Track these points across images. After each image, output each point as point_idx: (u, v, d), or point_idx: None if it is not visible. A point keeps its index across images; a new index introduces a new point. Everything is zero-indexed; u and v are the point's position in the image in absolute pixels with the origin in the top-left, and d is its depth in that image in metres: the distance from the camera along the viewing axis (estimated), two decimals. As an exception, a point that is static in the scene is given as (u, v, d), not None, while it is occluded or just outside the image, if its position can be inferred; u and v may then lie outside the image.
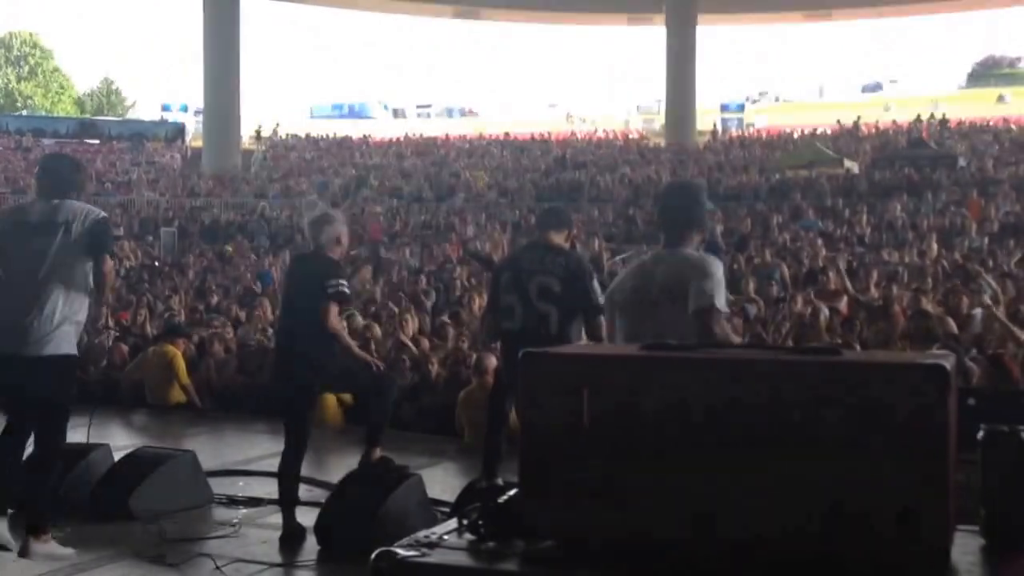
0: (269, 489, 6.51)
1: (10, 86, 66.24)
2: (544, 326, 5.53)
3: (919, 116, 40.94)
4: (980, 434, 2.08)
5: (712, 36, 49.68)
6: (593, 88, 66.94)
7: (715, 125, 48.33)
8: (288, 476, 5.86)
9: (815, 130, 42.09)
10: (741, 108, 58.85)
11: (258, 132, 45.75)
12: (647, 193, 29.20)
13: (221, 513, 6.50)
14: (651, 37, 48.46)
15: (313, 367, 5.81)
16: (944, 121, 40.46)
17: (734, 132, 48.47)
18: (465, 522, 2.18)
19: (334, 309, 5.76)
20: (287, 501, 5.83)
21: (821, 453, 1.91)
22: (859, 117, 43.47)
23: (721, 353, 2.19)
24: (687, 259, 4.08)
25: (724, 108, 57.50)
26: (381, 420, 6.00)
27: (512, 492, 2.19)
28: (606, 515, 2.01)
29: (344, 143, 45.01)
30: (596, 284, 5.76)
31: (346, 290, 5.80)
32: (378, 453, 5.89)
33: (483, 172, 35.26)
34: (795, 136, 41.29)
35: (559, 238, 5.89)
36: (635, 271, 4.38)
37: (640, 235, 24.35)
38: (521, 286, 5.61)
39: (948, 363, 1.93)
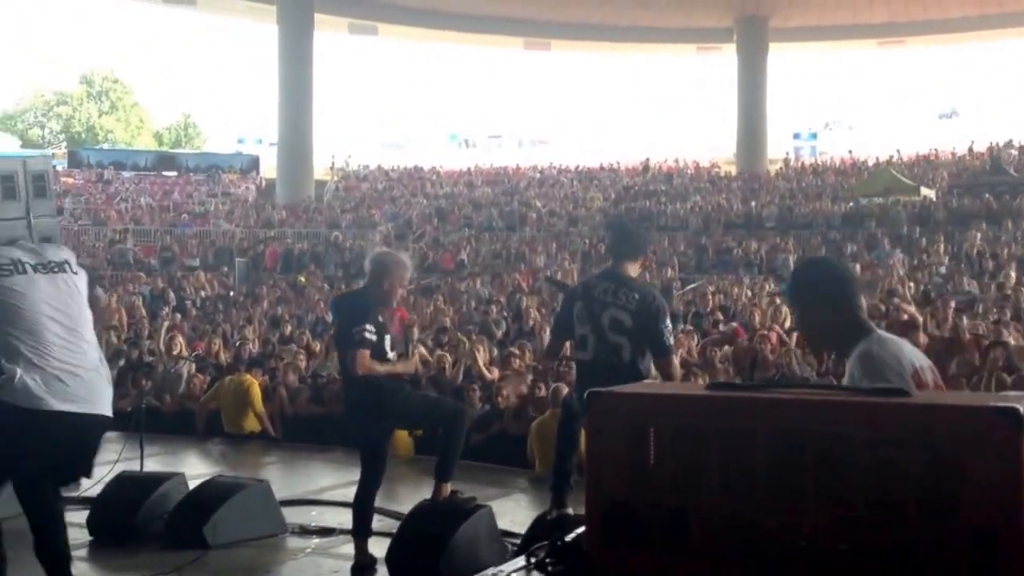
0: (341, 519, 6.55)
1: (92, 121, 68.12)
2: (616, 356, 5.51)
3: (998, 142, 40.08)
4: None
5: (784, 64, 49.28)
6: (663, 117, 66.77)
7: (787, 153, 47.89)
8: (363, 507, 5.89)
9: (890, 157, 41.48)
10: (814, 136, 58.25)
11: (332, 164, 46.43)
12: (718, 222, 29.04)
13: (294, 542, 6.55)
14: (721, 66, 48.27)
15: (382, 403, 5.83)
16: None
17: (807, 159, 47.97)
18: (533, 560, 2.18)
19: (362, 355, 5.66)
20: (360, 532, 5.85)
21: (892, 495, 1.89)
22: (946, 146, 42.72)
23: (788, 393, 2.16)
24: None
25: (796, 136, 56.98)
26: (452, 455, 5.95)
27: (580, 530, 2.18)
28: (674, 556, 2.00)
29: (415, 173, 45.46)
30: (668, 323, 5.74)
31: (368, 336, 5.64)
32: (448, 490, 5.87)
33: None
34: (870, 164, 40.73)
35: (634, 268, 5.86)
36: None
37: (711, 264, 24.20)
38: (594, 317, 5.59)
39: (1022, 405, 1.90)
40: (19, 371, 4.22)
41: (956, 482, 1.85)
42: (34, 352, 4.28)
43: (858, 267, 19.17)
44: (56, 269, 4.51)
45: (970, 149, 40.47)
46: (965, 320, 11.61)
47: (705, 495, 1.99)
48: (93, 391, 4.42)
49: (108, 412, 4.52)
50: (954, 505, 1.85)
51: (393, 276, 5.87)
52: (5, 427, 4.26)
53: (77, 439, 4.42)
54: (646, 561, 2.01)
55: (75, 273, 4.60)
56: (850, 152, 45.07)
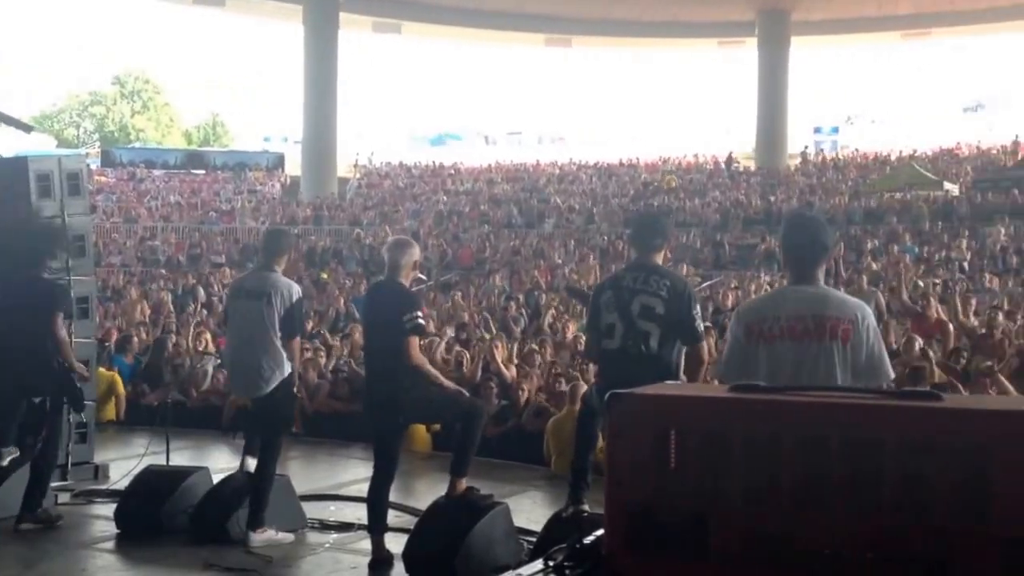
0: (360, 514, 6.61)
1: (124, 120, 68.81)
2: (644, 344, 5.47)
3: (1018, 136, 39.77)
4: None
5: (805, 57, 49.04)
6: (683, 112, 66.65)
7: (807, 147, 47.69)
8: (376, 503, 5.96)
9: (913, 151, 41.27)
10: (836, 130, 58.00)
11: (356, 161, 46.66)
12: (737, 218, 29.02)
13: (314, 537, 6.65)
14: (742, 60, 48.13)
15: (397, 399, 5.88)
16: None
17: (828, 154, 47.76)
18: (551, 564, 2.16)
19: (414, 343, 5.86)
20: (376, 528, 5.92)
21: (922, 502, 1.85)
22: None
23: (815, 396, 2.11)
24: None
25: (817, 130, 56.71)
26: (466, 451, 5.98)
27: (599, 532, 2.16)
28: (694, 562, 1.97)
29: (436, 170, 45.62)
30: (699, 310, 5.76)
31: (422, 322, 5.91)
32: (463, 485, 5.91)
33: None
34: (892, 158, 40.54)
35: (660, 257, 5.87)
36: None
37: (729, 261, 24.21)
38: (623, 304, 5.55)
39: None
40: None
41: (988, 490, 1.80)
42: None
43: (875, 265, 19.13)
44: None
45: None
46: (1000, 317, 11.55)
47: (727, 501, 1.95)
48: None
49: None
50: (986, 514, 1.80)
51: (415, 262, 6.08)
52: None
53: None
54: (665, 566, 1.98)
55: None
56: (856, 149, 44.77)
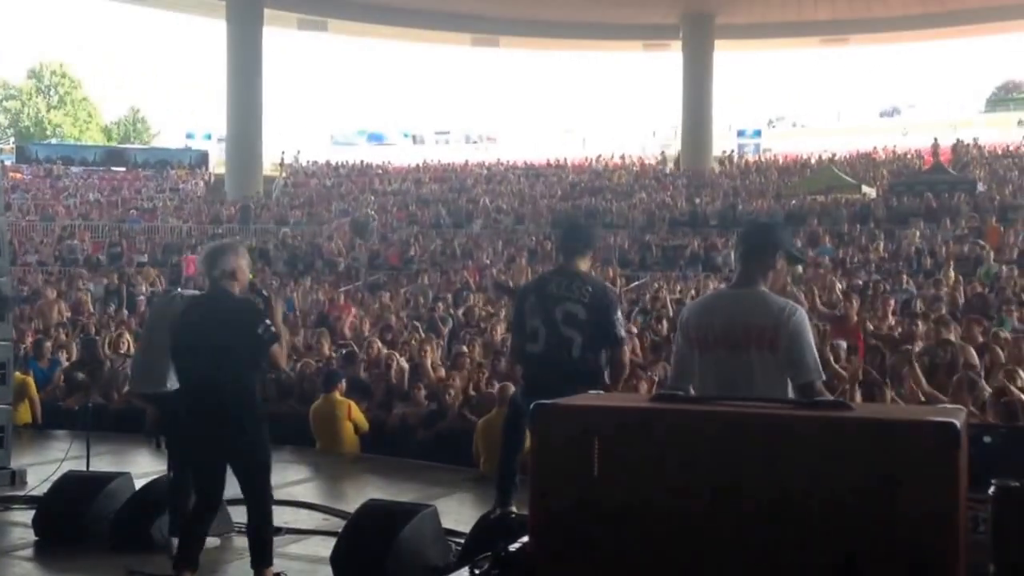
0: (287, 518, 6.61)
1: (40, 115, 67.19)
2: (567, 350, 5.55)
3: (937, 141, 40.82)
4: (991, 489, 2.08)
5: (729, 61, 49.79)
6: (610, 114, 67.37)
7: (731, 151, 48.28)
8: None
9: (832, 155, 42.08)
10: (758, 134, 58.98)
11: (282, 160, 46.16)
12: (662, 219, 29.33)
13: (240, 541, 6.58)
14: (668, 63, 48.69)
15: (235, 423, 5.29)
16: (964, 146, 40.34)
17: (750, 157, 48.47)
18: (477, 572, 2.19)
19: (280, 352, 5.41)
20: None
21: (832, 509, 1.92)
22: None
23: (732, 406, 2.17)
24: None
25: (740, 134, 57.59)
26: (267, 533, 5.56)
27: (524, 539, 2.18)
28: (616, 568, 2.00)
29: (364, 170, 45.34)
30: (620, 315, 5.86)
31: (275, 329, 5.32)
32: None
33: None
34: (812, 161, 41.29)
35: (585, 263, 5.95)
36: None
37: (654, 262, 24.45)
38: (547, 310, 5.63)
39: (958, 419, 1.93)
40: None
41: (895, 496, 1.86)
42: None
43: (799, 267, 19.42)
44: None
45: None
46: (915, 320, 11.79)
47: (647, 508, 1.99)
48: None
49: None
50: (892, 519, 1.86)
51: (233, 270, 5.52)
52: None
53: None
54: (589, 573, 2.01)
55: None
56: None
